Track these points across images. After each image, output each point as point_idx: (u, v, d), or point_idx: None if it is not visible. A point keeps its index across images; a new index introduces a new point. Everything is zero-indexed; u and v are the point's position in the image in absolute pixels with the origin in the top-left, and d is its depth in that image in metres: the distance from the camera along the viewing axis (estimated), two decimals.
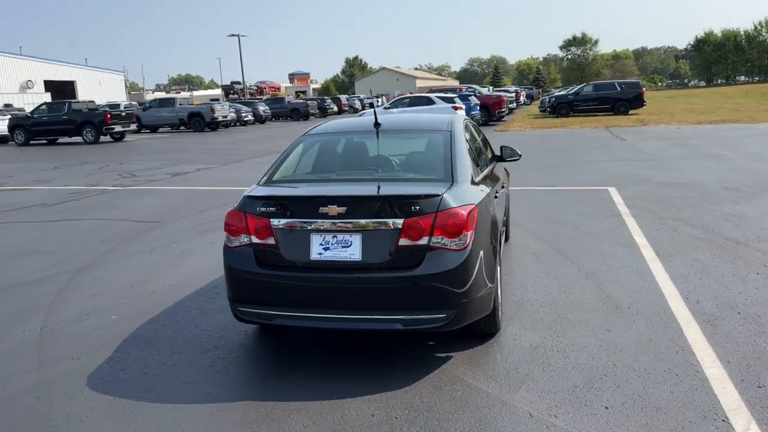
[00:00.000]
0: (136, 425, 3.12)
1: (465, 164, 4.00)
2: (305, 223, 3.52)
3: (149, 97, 71.65)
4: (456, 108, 20.57)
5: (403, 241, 3.40)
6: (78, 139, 26.28)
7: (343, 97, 55.15)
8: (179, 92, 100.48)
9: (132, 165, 16.30)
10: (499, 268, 4.02)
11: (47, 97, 54.72)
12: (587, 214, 7.87)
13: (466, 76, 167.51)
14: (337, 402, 3.25)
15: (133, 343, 4.15)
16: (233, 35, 52.95)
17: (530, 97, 56.30)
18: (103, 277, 5.80)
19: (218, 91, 77.45)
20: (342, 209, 3.45)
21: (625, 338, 3.90)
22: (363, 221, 3.45)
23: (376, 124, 4.33)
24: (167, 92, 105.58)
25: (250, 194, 3.77)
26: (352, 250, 3.46)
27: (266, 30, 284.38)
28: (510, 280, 5.17)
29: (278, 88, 74.29)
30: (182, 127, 33.31)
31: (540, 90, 76.78)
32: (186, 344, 4.08)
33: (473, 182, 3.93)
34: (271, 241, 3.59)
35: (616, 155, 14.24)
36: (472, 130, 5.07)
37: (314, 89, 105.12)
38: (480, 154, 4.89)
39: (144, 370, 3.73)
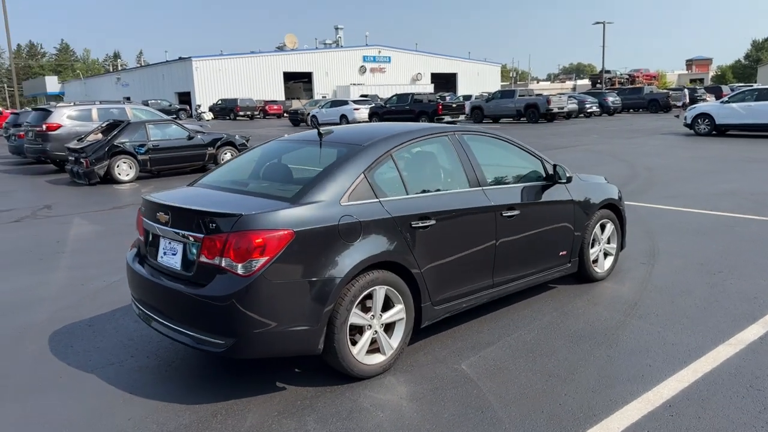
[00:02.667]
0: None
1: (333, 182, 3.58)
2: (152, 226, 3.76)
3: (534, 87, 74.32)
4: None
5: (203, 258, 3.35)
6: None
7: (726, 87, 47.48)
8: (564, 81, 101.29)
9: None
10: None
11: (431, 88, 62.03)
12: None
13: None
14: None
15: None
16: (598, 23, 50.56)
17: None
18: None
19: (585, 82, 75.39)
20: (167, 217, 3.58)
21: None
22: (181, 232, 3.51)
23: (319, 134, 4.22)
24: (552, 81, 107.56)
25: (143, 195, 4.15)
26: (176, 259, 3.56)
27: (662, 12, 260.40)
28: None
29: (653, 77, 68.21)
30: (522, 119, 33.97)
31: None
32: None
33: (339, 203, 3.50)
34: (143, 240, 3.94)
35: None
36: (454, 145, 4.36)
37: (711, 77, 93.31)
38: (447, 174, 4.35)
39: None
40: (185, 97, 54.83)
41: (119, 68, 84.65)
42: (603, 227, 5.45)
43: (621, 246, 5.72)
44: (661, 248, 6.47)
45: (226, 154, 14.62)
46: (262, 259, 3.20)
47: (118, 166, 13.04)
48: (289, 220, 3.31)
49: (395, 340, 3.77)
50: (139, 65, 78.77)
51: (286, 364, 3.86)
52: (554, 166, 4.87)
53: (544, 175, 4.90)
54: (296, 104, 49.20)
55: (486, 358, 3.92)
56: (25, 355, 4.14)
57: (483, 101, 35.88)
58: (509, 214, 4.41)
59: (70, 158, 13.29)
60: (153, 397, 3.50)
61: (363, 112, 32.55)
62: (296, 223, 3.31)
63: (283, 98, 55.90)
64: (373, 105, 32.51)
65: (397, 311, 3.75)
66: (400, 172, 3.94)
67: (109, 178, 12.94)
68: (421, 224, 3.82)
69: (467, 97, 42.24)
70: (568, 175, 4.84)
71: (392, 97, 32.22)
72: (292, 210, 3.37)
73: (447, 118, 28.60)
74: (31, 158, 16.29)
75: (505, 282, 4.51)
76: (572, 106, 34.62)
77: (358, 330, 3.62)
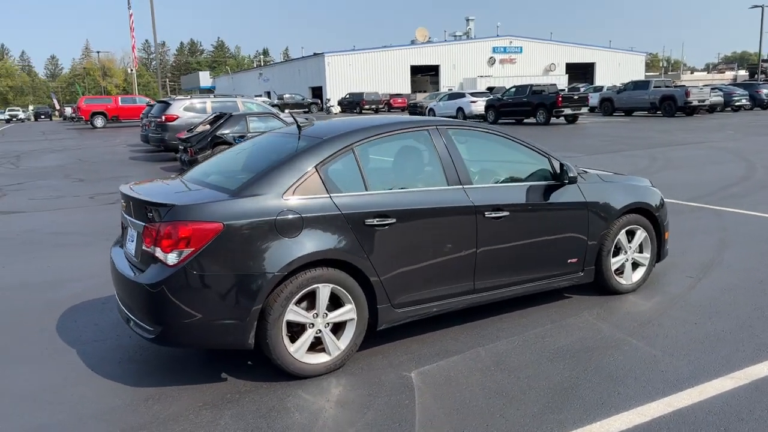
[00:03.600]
0: None
1: (279, 176, 3.54)
2: (122, 215, 3.96)
3: (686, 78, 68.38)
4: None
5: (144, 246, 3.47)
6: (533, 120, 28.39)
7: None
8: (723, 72, 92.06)
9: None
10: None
11: (564, 80, 59.38)
12: None
13: None
14: None
15: None
16: (755, 6, 45.24)
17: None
18: None
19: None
20: (125, 206, 3.76)
21: None
22: (133, 220, 3.66)
23: (298, 127, 4.21)
24: (708, 72, 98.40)
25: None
26: (133, 246, 3.72)
27: None
28: None
29: None
30: (657, 112, 31.47)
31: None
32: None
33: (282, 197, 3.45)
34: (121, 230, 4.16)
35: None
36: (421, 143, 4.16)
37: None
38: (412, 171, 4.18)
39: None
40: (318, 92, 57.18)
41: (262, 64, 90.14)
42: (631, 234, 4.89)
43: (659, 256, 5.10)
44: (725, 261, 5.68)
45: None
46: (188, 250, 3.25)
47: None
48: (220, 213, 3.32)
49: (344, 341, 3.66)
50: (281, 61, 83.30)
51: (246, 355, 3.89)
52: (561, 165, 4.45)
53: (552, 175, 4.50)
54: (420, 98, 49.39)
55: (442, 368, 3.68)
56: (34, 328, 4.55)
57: (614, 93, 33.75)
58: (495, 215, 4.10)
59: (180, 147, 14.38)
60: (109, 376, 3.69)
61: (480, 104, 31.90)
62: (227, 216, 3.32)
63: (409, 91, 56.33)
64: (490, 98, 31.71)
65: (346, 311, 3.63)
66: (361, 167, 3.80)
67: None
68: (377, 222, 3.66)
69: (598, 89, 39.84)
70: (571, 175, 4.40)
71: (510, 88, 31.24)
72: (226, 203, 3.38)
73: (567, 111, 27.18)
74: (154, 146, 17.85)
75: (490, 288, 4.21)
76: (716, 98, 31.46)
77: (301, 327, 3.56)
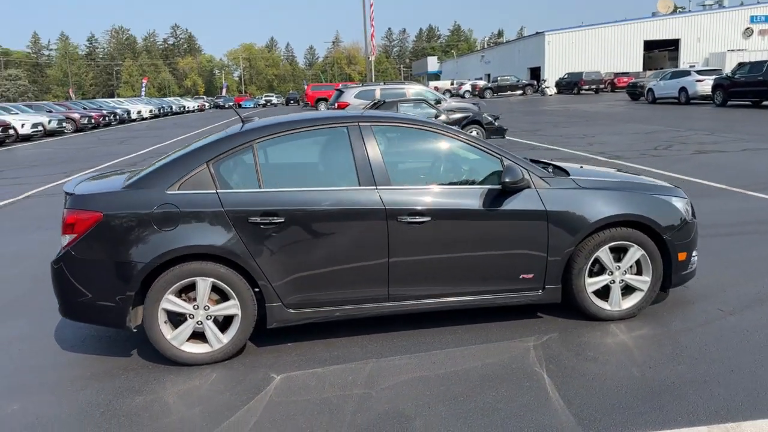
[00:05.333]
0: None
1: (169, 170, 3.73)
2: None
3: None
4: None
5: None
6: None
7: None
8: None
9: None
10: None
11: None
12: None
13: None
14: None
15: None
16: None
17: None
18: None
19: None
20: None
21: None
22: None
23: (242, 121, 4.34)
24: None
25: None
26: None
27: None
28: None
29: None
30: None
31: None
32: None
33: (165, 191, 3.65)
34: None
35: None
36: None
37: None
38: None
39: None
40: (537, 72, 55.22)
41: (486, 46, 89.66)
42: (622, 252, 4.08)
43: (669, 281, 4.17)
44: None
45: (471, 132, 14.73)
46: (73, 236, 3.63)
47: None
48: (102, 204, 3.64)
49: (228, 335, 3.75)
50: (504, 42, 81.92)
51: None
52: (506, 167, 3.89)
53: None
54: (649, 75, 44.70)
55: (312, 375, 3.57)
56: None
57: None
58: (413, 220, 3.78)
59: None
60: (78, 349, 4.27)
61: (707, 84, 27.83)
62: (108, 206, 3.62)
63: (641, 69, 51.30)
64: (717, 77, 27.44)
65: (229, 306, 3.73)
66: (258, 164, 3.80)
67: None
68: (262, 220, 3.66)
69: None
70: (507, 180, 3.81)
71: (742, 65, 26.64)
72: (110, 194, 3.69)
73: None
74: None
75: (412, 298, 3.91)
76: None
77: (184, 317, 3.74)
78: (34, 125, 25.23)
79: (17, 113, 26.86)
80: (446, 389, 3.32)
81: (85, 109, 34.06)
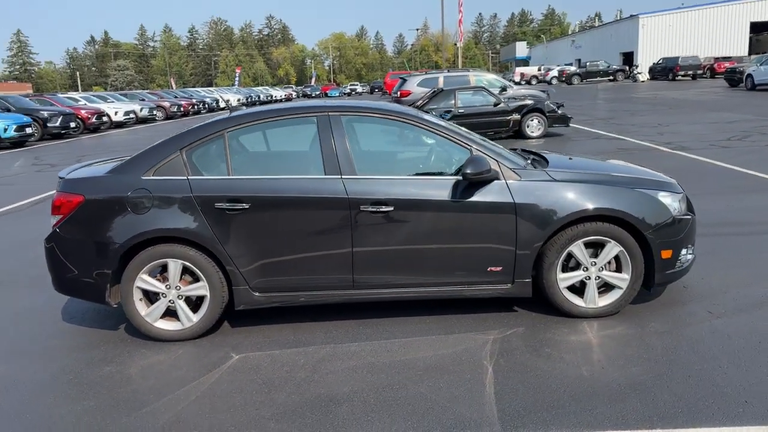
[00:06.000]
0: None
1: (147, 157, 3.96)
2: None
3: None
4: None
5: None
6: None
7: None
8: None
9: None
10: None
11: None
12: None
13: None
14: None
15: None
16: None
17: None
18: None
19: None
20: None
21: None
22: None
23: (230, 112, 4.54)
24: None
25: None
26: None
27: None
28: None
29: None
30: None
31: None
32: None
33: (141, 177, 3.88)
34: None
35: None
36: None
37: None
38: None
39: None
40: (629, 58, 52.53)
41: (576, 30, 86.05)
42: (599, 247, 3.92)
43: (652, 279, 3.96)
44: None
45: (532, 120, 14.34)
46: (59, 216, 3.94)
47: None
48: (84, 187, 3.92)
49: (199, 314, 3.96)
50: (597, 25, 78.34)
51: None
52: (471, 157, 3.82)
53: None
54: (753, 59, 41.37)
55: (271, 357, 3.70)
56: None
57: None
58: (376, 209, 3.82)
59: None
60: (76, 321, 4.67)
61: None
62: (89, 190, 3.90)
63: (746, 53, 47.58)
64: None
65: (199, 287, 3.92)
66: (228, 152, 3.95)
67: None
68: (228, 206, 3.82)
69: None
70: (468, 171, 3.73)
71: None
72: (92, 179, 3.96)
73: None
74: None
75: (377, 286, 3.95)
76: None
77: (157, 296, 3.98)
78: (127, 113, 27.05)
79: (113, 101, 28.91)
80: (387, 377, 3.35)
81: (176, 98, 36.01)
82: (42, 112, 21.38)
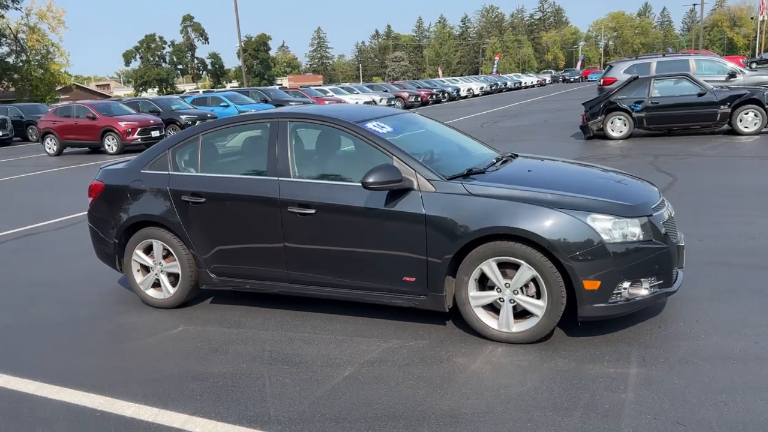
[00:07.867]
0: None
1: (149, 153, 4.77)
2: None
3: None
4: None
5: None
6: None
7: None
8: None
9: None
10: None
11: None
12: None
13: None
14: None
15: None
16: None
17: None
18: None
19: None
20: None
21: None
22: None
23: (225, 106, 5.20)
24: None
25: None
26: None
27: None
28: None
29: None
30: None
31: None
32: None
33: (141, 170, 4.71)
34: None
35: None
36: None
37: None
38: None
39: None
40: None
41: None
42: (513, 268, 3.56)
43: (574, 309, 3.46)
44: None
45: (747, 114, 12.09)
46: (91, 199, 4.99)
47: (612, 123, 13.23)
48: (106, 177, 4.89)
49: (175, 288, 4.67)
50: None
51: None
52: (376, 166, 3.79)
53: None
54: None
55: (198, 332, 4.22)
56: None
57: None
58: (301, 211, 4.06)
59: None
60: (125, 285, 5.79)
61: None
62: (109, 179, 4.86)
63: None
64: None
65: (174, 265, 4.63)
66: (200, 152, 4.54)
67: (602, 134, 13.36)
68: (191, 199, 4.44)
69: None
70: (369, 180, 3.68)
71: None
72: (113, 169, 4.91)
73: None
74: None
75: (307, 283, 4.19)
76: None
77: (147, 269, 4.79)
78: (366, 103, 29.68)
79: (358, 93, 31.93)
80: (250, 364, 3.62)
81: (418, 88, 38.08)
82: (291, 103, 24.77)
